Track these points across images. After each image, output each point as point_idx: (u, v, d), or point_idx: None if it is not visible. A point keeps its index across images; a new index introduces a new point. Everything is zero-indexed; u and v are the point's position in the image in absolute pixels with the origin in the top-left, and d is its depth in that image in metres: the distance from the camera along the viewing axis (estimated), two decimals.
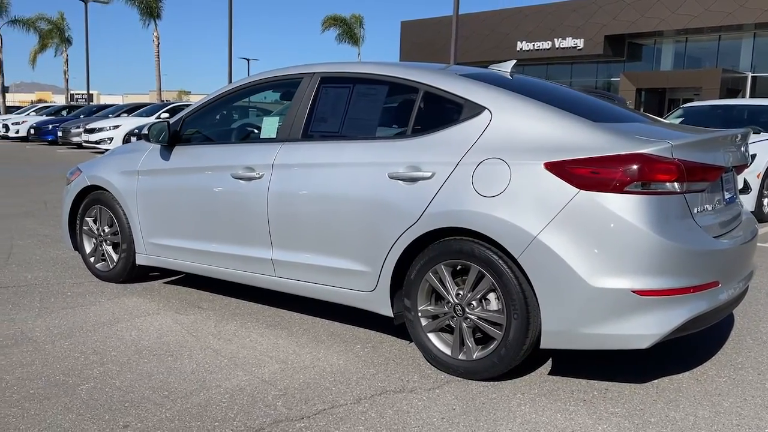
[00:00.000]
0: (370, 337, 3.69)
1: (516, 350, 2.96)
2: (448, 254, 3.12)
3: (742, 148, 3.38)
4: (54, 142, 22.57)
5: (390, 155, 3.33)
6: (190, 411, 2.76)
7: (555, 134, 2.97)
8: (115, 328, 3.79)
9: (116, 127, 18.36)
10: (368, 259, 3.37)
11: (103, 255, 4.77)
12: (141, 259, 4.51)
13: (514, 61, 3.80)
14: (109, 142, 18.26)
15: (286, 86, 3.94)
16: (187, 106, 19.86)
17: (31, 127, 23.62)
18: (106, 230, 4.70)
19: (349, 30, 40.58)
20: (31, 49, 39.95)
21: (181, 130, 4.30)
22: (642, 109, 29.23)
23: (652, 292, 2.74)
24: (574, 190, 2.81)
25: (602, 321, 2.79)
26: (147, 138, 4.32)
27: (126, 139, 17.53)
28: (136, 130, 17.18)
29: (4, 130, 26.04)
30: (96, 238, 4.80)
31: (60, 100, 59.37)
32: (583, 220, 2.78)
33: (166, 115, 18.94)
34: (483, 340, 3.12)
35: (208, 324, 3.89)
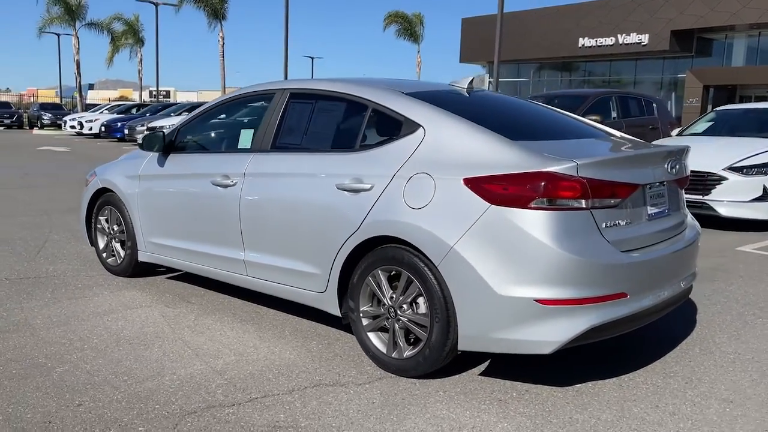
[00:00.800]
0: (329, 334, 3.99)
1: (438, 351, 3.19)
2: (384, 260, 3.38)
3: (678, 164, 3.48)
4: (122, 139, 23.86)
5: (339, 167, 3.61)
6: (139, 394, 3.13)
7: (476, 151, 3.17)
8: (106, 319, 4.22)
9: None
10: (320, 263, 3.66)
11: (113, 251, 5.25)
12: (142, 256, 4.95)
13: (472, 77, 3.99)
14: None
15: (263, 100, 4.27)
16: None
17: (102, 125, 25.06)
18: (115, 228, 5.17)
19: (409, 27, 40.83)
20: (108, 49, 42.10)
21: (176, 139, 4.71)
22: (710, 107, 28.22)
23: (553, 302, 2.92)
24: (486, 204, 3.01)
25: (509, 327, 2.99)
26: (140, 146, 4.75)
27: None
28: None
29: (79, 127, 27.70)
30: (107, 236, 5.28)
31: (144, 95, 62.16)
32: (494, 232, 2.99)
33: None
34: (415, 340, 3.36)
35: (188, 317, 4.28)
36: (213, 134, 4.77)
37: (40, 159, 17.10)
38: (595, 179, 2.99)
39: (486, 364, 3.55)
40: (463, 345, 3.13)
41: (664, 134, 11.08)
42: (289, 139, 4.03)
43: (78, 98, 38.18)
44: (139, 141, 4.73)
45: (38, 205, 8.89)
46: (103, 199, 5.24)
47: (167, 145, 4.68)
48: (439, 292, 3.14)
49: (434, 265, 3.14)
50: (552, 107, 4.49)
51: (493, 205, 3.00)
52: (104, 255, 5.34)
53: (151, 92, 69.74)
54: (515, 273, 2.95)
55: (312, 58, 57.49)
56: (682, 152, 3.61)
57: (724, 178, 7.60)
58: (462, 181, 3.10)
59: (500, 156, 3.10)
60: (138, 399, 3.08)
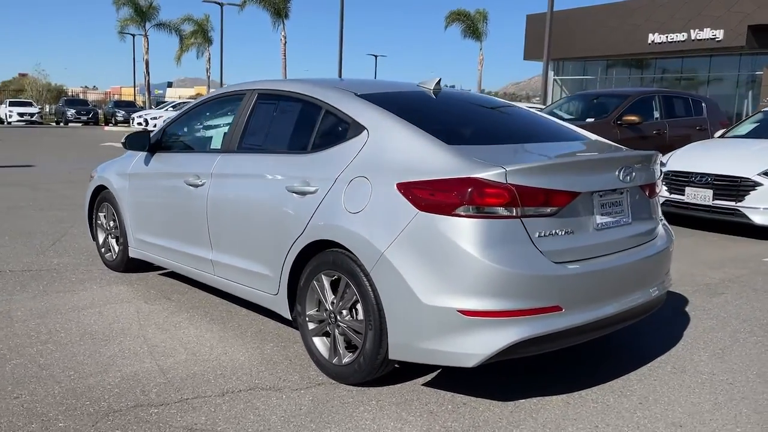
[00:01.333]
0: (289, 337, 3.95)
1: (372, 359, 3.10)
2: (326, 265, 3.32)
3: (633, 171, 3.26)
4: None
5: (291, 169, 3.58)
6: (76, 390, 3.18)
7: (413, 155, 3.07)
8: (83, 313, 4.33)
9: None
10: (272, 265, 3.64)
11: (110, 246, 5.39)
12: (132, 252, 5.06)
13: (439, 78, 3.87)
14: None
15: (237, 100, 4.28)
16: None
17: (164, 121, 25.91)
18: (111, 225, 5.32)
19: (472, 24, 40.37)
20: (177, 48, 43.54)
21: (162, 138, 4.79)
22: None
23: (477, 313, 2.79)
24: (415, 210, 2.91)
25: (435, 337, 2.88)
26: (123, 145, 4.85)
27: None
28: None
29: (144, 123, 28.81)
30: (104, 231, 5.43)
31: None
32: (421, 239, 2.88)
33: None
34: (354, 347, 3.29)
35: (161, 315, 4.34)
36: (192, 134, 4.82)
37: (97, 155, 17.84)
38: (526, 186, 2.84)
39: (436, 373, 3.44)
40: (393, 354, 3.04)
41: (713, 135, 10.51)
42: (252, 139, 4.03)
43: (147, 96, 39.65)
44: (122, 140, 4.83)
45: (75, 199, 9.24)
46: (102, 196, 5.40)
47: (154, 144, 4.77)
48: (372, 299, 3.06)
49: (367, 271, 3.06)
50: (538, 111, 4.31)
51: (420, 212, 2.90)
52: (102, 250, 5.50)
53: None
54: (440, 282, 2.84)
55: (375, 56, 57.65)
56: (644, 159, 3.39)
57: (758, 184, 7.13)
58: (395, 186, 3.01)
59: (433, 160, 2.99)
60: (73, 395, 3.13)
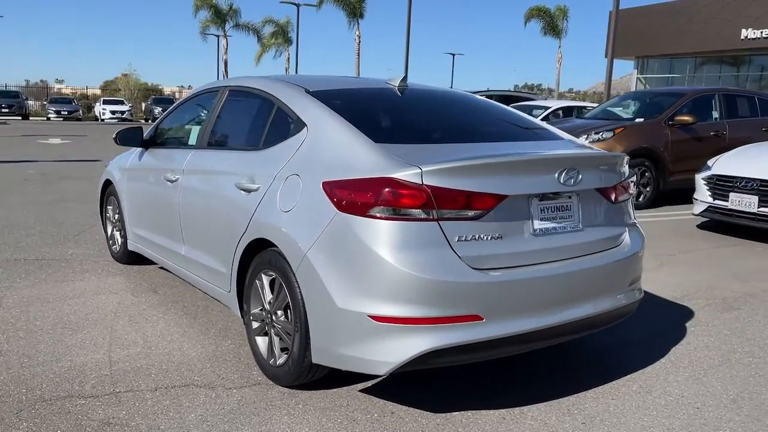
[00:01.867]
0: None
1: (300, 362, 3.02)
2: (264, 264, 3.26)
3: (578, 174, 3.00)
4: None
5: (243, 166, 3.55)
6: (20, 377, 3.26)
7: (341, 153, 2.97)
8: (69, 302, 4.47)
9: None
10: (225, 262, 3.62)
11: (115, 239, 5.55)
12: (129, 245, 5.19)
13: (404, 75, 3.74)
14: None
15: (212, 98, 4.29)
16: None
17: None
18: (116, 218, 5.47)
19: (551, 21, 39.30)
20: (258, 49, 44.69)
21: (154, 134, 4.89)
22: None
23: (387, 319, 2.66)
24: (335, 210, 2.80)
25: (349, 343, 2.77)
26: (115, 141, 4.96)
27: None
28: None
29: None
30: (111, 224, 5.60)
31: None
32: (338, 240, 2.78)
33: None
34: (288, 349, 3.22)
35: (140, 307, 4.41)
36: (177, 130, 4.88)
37: None
38: (444, 188, 2.67)
39: (379, 380, 3.31)
40: (315, 358, 2.94)
41: None
42: (218, 136, 4.03)
43: None
44: (113, 136, 4.94)
45: None
46: (109, 190, 5.56)
47: (148, 140, 4.86)
48: (299, 301, 2.98)
49: (294, 271, 2.98)
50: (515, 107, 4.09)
51: (339, 212, 2.79)
52: (110, 242, 5.67)
53: None
54: (353, 285, 2.73)
55: (453, 55, 57.13)
56: (598, 160, 3.14)
57: None
58: (321, 185, 2.91)
59: (357, 159, 2.88)
60: (15, 382, 3.21)
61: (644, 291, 4.88)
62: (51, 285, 4.85)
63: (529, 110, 13.04)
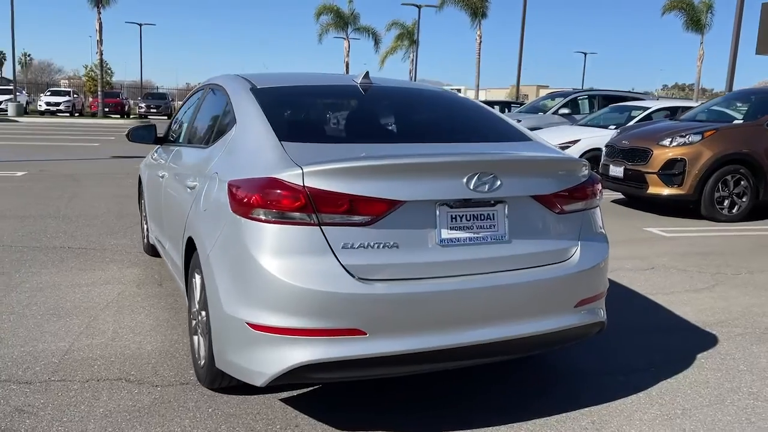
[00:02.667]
0: None
1: (210, 366, 2.94)
2: (195, 263, 3.21)
3: (522, 178, 2.68)
4: None
5: (192, 162, 3.55)
6: None
7: (251, 151, 2.87)
8: (75, 290, 4.68)
9: None
10: (179, 260, 3.62)
11: (146, 231, 5.79)
12: (150, 238, 5.38)
13: (367, 71, 3.54)
14: None
15: (198, 95, 4.34)
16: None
17: None
18: (143, 211, 5.70)
19: (693, 15, 36.50)
20: (383, 51, 45.33)
21: (167, 131, 5.02)
22: None
23: (264, 328, 2.51)
24: (229, 211, 2.70)
25: (235, 350, 2.65)
26: (127, 137, 5.13)
27: None
28: None
29: None
30: (143, 217, 5.84)
31: None
32: (228, 243, 2.67)
33: None
34: None
35: (135, 299, 4.54)
36: (176, 128, 4.96)
37: None
38: (326, 190, 2.47)
39: (311, 389, 3.16)
40: (216, 363, 2.85)
41: None
42: (191, 132, 4.08)
43: None
44: (126, 133, 5.12)
45: None
46: (141, 185, 5.81)
47: (160, 137, 5.01)
48: (206, 303, 2.90)
49: (202, 272, 2.91)
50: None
51: (231, 212, 2.67)
52: (143, 234, 5.91)
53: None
54: (236, 291, 2.60)
55: (584, 54, 54.76)
56: (533, 164, 2.78)
57: None
58: (227, 184, 2.81)
59: (260, 157, 2.75)
60: None
61: (674, 313, 4.38)
62: (73, 273, 5.11)
63: (627, 111, 12.14)
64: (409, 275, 2.57)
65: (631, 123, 11.09)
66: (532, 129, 13.22)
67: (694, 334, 4.14)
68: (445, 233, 2.63)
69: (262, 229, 2.52)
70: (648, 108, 11.78)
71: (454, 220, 2.65)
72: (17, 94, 37.25)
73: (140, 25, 49.78)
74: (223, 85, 3.68)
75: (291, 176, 2.49)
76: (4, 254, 5.60)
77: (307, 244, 2.49)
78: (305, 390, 3.15)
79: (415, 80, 38.18)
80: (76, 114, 38.32)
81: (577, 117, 13.77)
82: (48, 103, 37.16)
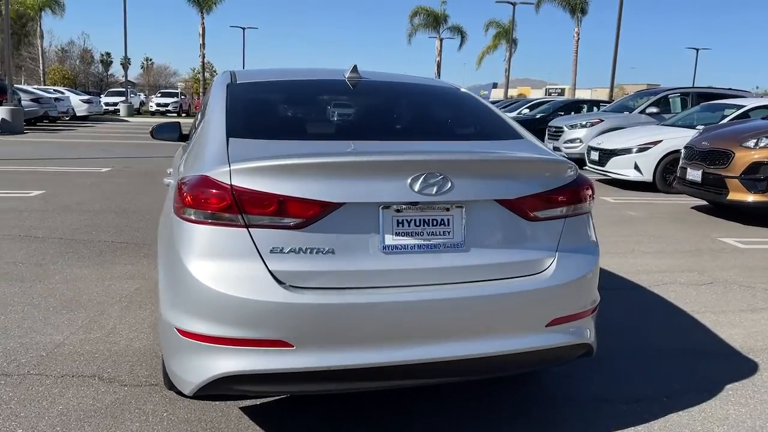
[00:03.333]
0: None
1: (164, 367, 2.85)
2: None
3: (440, 181, 2.40)
4: None
5: (175, 162, 3.49)
6: None
7: (202, 147, 2.73)
8: (97, 284, 4.76)
9: None
10: None
11: None
12: None
13: (355, 64, 3.33)
14: None
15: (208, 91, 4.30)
16: (544, 103, 19.95)
17: None
18: None
19: None
20: (480, 51, 44.69)
21: (190, 129, 5.03)
22: None
23: (190, 335, 2.37)
24: (172, 211, 2.59)
25: (170, 355, 2.54)
26: (151, 134, 5.16)
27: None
28: None
29: None
30: None
31: (538, 94, 63.85)
32: (169, 244, 2.56)
33: (526, 111, 19.52)
34: None
35: (148, 295, 4.55)
36: (192, 126, 4.94)
37: None
38: (254, 189, 2.30)
39: (273, 399, 3.02)
40: (165, 367, 2.75)
41: None
42: (190, 130, 4.02)
43: None
44: (150, 130, 5.15)
45: None
46: None
47: (185, 135, 5.02)
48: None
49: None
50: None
51: (172, 212, 2.57)
52: None
53: (547, 90, 71.03)
54: (171, 294, 2.49)
55: (696, 50, 51.54)
56: (501, 164, 2.48)
57: None
58: (176, 183, 2.71)
59: (205, 154, 2.61)
60: None
61: (717, 335, 3.92)
62: (104, 267, 5.23)
63: (720, 110, 11.16)
64: (344, 284, 2.35)
65: (722, 122, 10.19)
66: (614, 129, 12.50)
67: (731, 360, 3.64)
68: (389, 239, 2.40)
69: (191, 230, 2.39)
70: (743, 106, 10.78)
71: (400, 225, 2.41)
72: (131, 96, 39.66)
73: (243, 28, 51.69)
74: (214, 80, 3.62)
75: (219, 174, 2.34)
76: (51, 246, 5.83)
77: (233, 247, 2.33)
78: (269, 400, 3.00)
79: (509, 79, 37.36)
80: (183, 114, 40.30)
81: (666, 116, 12.85)
82: (158, 104, 39.36)
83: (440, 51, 42.31)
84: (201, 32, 39.56)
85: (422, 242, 2.43)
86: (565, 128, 14.32)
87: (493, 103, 27.34)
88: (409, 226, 2.41)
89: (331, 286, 2.34)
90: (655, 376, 3.38)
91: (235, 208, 2.30)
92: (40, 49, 45.26)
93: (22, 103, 22.90)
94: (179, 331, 2.40)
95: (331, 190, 2.33)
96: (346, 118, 3.30)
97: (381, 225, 2.39)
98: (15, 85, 23.37)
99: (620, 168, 10.88)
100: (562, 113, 17.79)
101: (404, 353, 2.36)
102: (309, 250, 2.33)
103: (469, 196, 2.45)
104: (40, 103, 25.06)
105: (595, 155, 11.45)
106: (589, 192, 2.74)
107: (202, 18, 39.18)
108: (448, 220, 2.45)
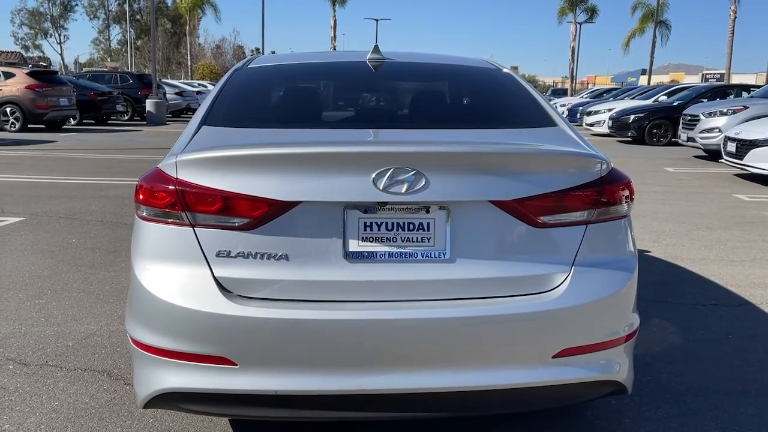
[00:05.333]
0: None
1: None
2: None
3: (410, 178, 1.99)
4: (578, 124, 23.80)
5: None
6: None
7: (178, 138, 2.51)
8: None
9: (610, 110, 18.34)
10: None
11: None
12: None
13: (376, 44, 2.97)
14: (601, 124, 18.49)
15: None
16: (685, 89, 18.18)
17: (567, 110, 25.49)
18: None
19: None
20: (626, 34, 41.99)
21: None
22: None
23: (138, 344, 2.18)
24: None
25: (133, 363, 2.34)
26: None
27: (611, 123, 17.34)
28: (618, 114, 16.90)
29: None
30: None
31: (693, 80, 59.19)
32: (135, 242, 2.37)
33: (664, 98, 17.97)
34: None
35: None
36: None
37: None
38: (198, 184, 2.03)
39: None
40: None
41: None
42: None
43: (570, 83, 39.54)
44: None
45: None
46: None
47: None
48: None
49: None
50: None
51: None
52: None
53: (703, 75, 65.66)
54: (128, 300, 2.29)
55: None
56: (495, 158, 2.04)
57: None
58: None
59: (175, 145, 2.39)
60: None
61: None
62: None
63: None
64: (298, 296, 2.03)
65: None
66: (758, 117, 11.05)
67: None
68: (355, 245, 2.04)
69: (142, 228, 2.18)
70: None
71: (368, 228, 2.04)
72: None
73: (377, 20, 52.20)
74: None
75: (167, 166, 2.11)
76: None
77: (178, 249, 2.08)
78: None
79: (652, 63, 34.73)
80: None
81: None
82: None
83: (575, 36, 40.21)
84: (333, 24, 40.66)
85: (395, 249, 2.04)
86: (702, 116, 12.88)
87: (627, 90, 25.50)
88: (379, 230, 2.04)
89: (282, 297, 2.03)
90: (742, 415, 2.75)
91: (179, 204, 2.06)
92: (188, 46, 48.53)
93: (167, 96, 24.53)
94: (132, 339, 2.20)
95: (285, 186, 2.01)
96: (345, 104, 2.97)
97: (345, 228, 2.03)
98: (163, 80, 25.18)
99: (761, 161, 9.55)
100: (705, 100, 16.09)
101: (367, 380, 2.01)
102: (258, 255, 2.03)
103: (454, 196, 2.03)
104: (183, 97, 26.73)
105: (731, 146, 10.16)
106: (624, 192, 2.21)
107: (334, 11, 40.27)
108: (428, 224, 2.05)
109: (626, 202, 2.22)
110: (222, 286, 2.03)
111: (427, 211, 2.05)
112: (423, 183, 1.99)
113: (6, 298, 4.17)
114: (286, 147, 2.09)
